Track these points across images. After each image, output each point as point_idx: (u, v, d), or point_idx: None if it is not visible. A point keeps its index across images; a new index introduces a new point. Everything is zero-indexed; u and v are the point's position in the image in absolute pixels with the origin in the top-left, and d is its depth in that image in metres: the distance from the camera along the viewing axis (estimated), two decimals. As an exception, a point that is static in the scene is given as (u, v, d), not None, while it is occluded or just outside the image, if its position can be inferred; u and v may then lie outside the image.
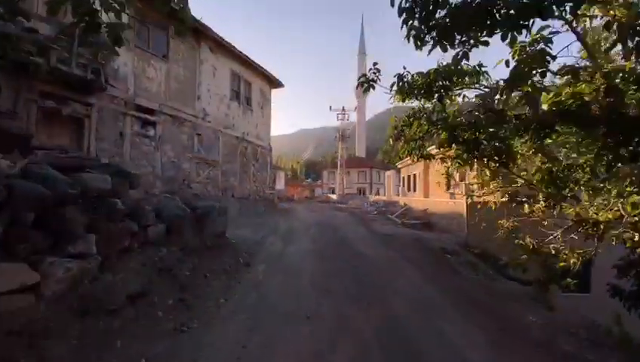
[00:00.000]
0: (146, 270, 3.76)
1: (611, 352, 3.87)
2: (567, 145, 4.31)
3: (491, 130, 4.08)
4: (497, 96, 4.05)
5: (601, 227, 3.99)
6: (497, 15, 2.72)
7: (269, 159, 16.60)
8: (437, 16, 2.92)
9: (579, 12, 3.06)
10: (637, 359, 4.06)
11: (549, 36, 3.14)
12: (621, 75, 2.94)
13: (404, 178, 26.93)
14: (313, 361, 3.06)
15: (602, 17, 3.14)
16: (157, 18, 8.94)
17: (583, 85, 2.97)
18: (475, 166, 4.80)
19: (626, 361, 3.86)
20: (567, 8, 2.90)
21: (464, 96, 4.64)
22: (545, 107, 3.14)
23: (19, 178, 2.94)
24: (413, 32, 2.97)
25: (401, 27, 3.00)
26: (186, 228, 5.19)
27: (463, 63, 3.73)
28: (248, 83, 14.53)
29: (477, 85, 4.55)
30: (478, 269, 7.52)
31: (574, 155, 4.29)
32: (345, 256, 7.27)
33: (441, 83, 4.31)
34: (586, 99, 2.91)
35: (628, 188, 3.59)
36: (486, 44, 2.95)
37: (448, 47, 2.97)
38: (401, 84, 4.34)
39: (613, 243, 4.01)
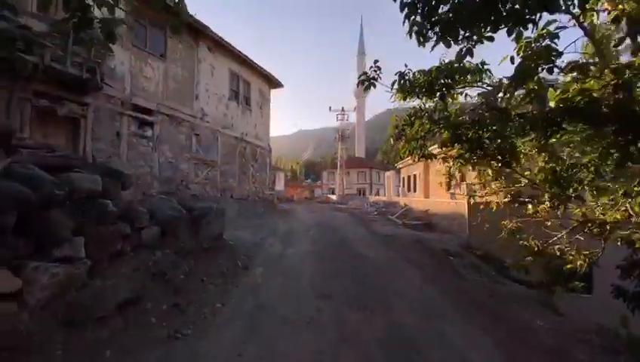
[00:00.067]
0: (138, 274, 3.63)
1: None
2: (571, 145, 4.22)
3: (495, 128, 3.99)
4: (500, 95, 3.97)
5: (608, 228, 3.90)
6: (503, 9, 2.63)
7: (269, 160, 16.48)
8: (440, 11, 2.83)
9: (587, 6, 2.97)
10: None
11: (556, 31, 3.05)
12: (629, 70, 2.85)
13: (404, 178, 26.84)
14: (313, 371, 2.95)
15: (610, 12, 3.04)
16: (154, 16, 8.84)
17: (592, 81, 2.87)
18: (477, 166, 4.72)
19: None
20: (575, 2, 2.82)
21: (466, 94, 4.56)
22: (552, 104, 3.04)
23: (0, 178, 2.80)
24: (415, 28, 2.89)
25: (403, 22, 2.91)
26: (182, 230, 5.06)
27: (465, 61, 3.65)
28: (247, 83, 14.43)
29: (479, 83, 4.47)
30: (481, 271, 7.41)
31: (577, 155, 4.21)
32: (345, 258, 7.16)
33: (443, 81, 4.23)
34: (595, 95, 2.81)
35: (636, 188, 3.49)
36: (491, 39, 2.86)
37: (452, 42, 2.88)
38: (402, 82, 4.25)
39: (618, 243, 3.92)
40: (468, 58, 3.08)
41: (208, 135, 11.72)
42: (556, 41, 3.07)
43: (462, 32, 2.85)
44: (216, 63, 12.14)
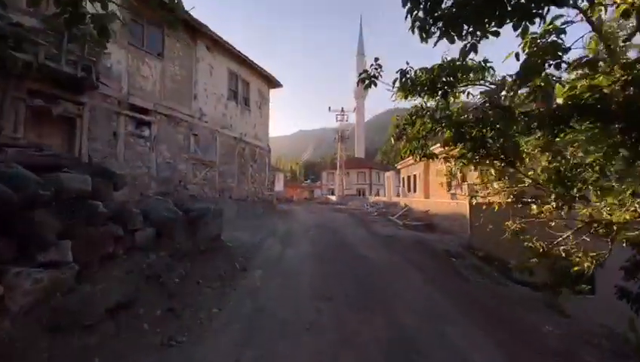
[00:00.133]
0: (131, 278, 3.51)
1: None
2: (575, 144, 4.14)
3: (498, 126, 3.90)
4: (504, 93, 3.88)
5: (614, 228, 3.81)
6: (508, 3, 2.54)
7: (268, 160, 16.38)
8: (443, 5, 2.74)
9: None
10: None
11: (562, 26, 2.96)
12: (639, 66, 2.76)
13: (404, 179, 26.75)
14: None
15: (619, 5, 2.94)
16: (151, 15, 8.73)
17: (601, 77, 2.77)
18: (480, 165, 4.63)
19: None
20: (584, -5, 2.73)
21: (468, 93, 4.47)
22: (560, 101, 2.95)
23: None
24: (418, 23, 2.80)
25: (405, 18, 2.83)
26: (178, 231, 4.94)
27: (468, 59, 3.56)
28: (246, 82, 14.33)
29: (482, 82, 4.38)
30: (483, 272, 7.30)
31: (581, 154, 4.13)
32: (345, 259, 7.06)
33: (445, 79, 4.15)
34: (605, 92, 2.71)
35: (645, 188, 3.40)
36: (496, 34, 2.76)
37: (455, 38, 2.78)
38: (403, 80, 4.17)
39: (624, 244, 3.84)
40: (471, 55, 3.00)
41: (207, 135, 11.61)
42: (562, 36, 2.98)
43: (466, 28, 2.76)
44: (214, 63, 12.03)
